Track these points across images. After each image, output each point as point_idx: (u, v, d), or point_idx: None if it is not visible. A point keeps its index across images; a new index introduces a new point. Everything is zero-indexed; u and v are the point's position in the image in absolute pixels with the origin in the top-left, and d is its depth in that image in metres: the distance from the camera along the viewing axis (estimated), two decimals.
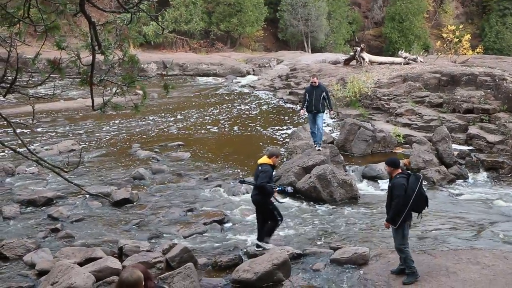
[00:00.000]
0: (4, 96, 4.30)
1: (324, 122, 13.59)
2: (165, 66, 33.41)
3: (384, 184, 11.91)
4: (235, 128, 18.57)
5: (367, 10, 51.44)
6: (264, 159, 8.58)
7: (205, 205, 10.88)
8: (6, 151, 14.60)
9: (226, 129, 18.37)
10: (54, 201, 10.86)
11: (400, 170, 7.28)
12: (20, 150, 4.39)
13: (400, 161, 7.70)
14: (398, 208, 7.02)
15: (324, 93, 12.51)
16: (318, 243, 9.05)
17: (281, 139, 16.65)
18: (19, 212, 10.22)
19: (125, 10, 4.13)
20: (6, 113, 4.46)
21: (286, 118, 20.21)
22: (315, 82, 12.60)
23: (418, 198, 7.00)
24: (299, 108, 14.57)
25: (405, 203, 6.99)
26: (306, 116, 13.33)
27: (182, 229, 9.53)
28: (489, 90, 16.73)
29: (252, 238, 9.25)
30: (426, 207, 7.24)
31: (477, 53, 27.15)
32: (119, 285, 3.96)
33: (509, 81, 16.31)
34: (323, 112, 12.72)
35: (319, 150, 12.64)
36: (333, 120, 18.33)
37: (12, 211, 10.15)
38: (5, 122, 4.51)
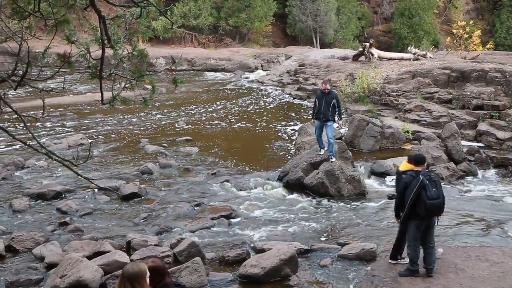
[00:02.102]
0: (15, 89, 4.33)
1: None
2: (173, 61, 33.46)
3: (392, 181, 11.85)
4: (243, 123, 18.56)
5: (376, 6, 51.05)
6: (404, 165, 7.53)
7: (213, 200, 10.90)
8: (15, 144, 14.71)
9: (234, 124, 18.37)
10: (63, 195, 10.95)
11: (419, 168, 7.09)
12: (30, 143, 4.43)
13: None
14: (395, 203, 7.27)
15: (335, 100, 11.74)
16: (326, 239, 9.05)
17: (287, 136, 16.60)
18: (29, 206, 10.32)
19: (135, 4, 4.14)
20: (15, 107, 4.49)
21: (294, 114, 20.16)
22: (327, 89, 11.75)
23: (417, 201, 6.84)
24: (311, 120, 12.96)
25: (402, 202, 7.04)
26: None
27: (190, 224, 9.56)
28: (499, 87, 16.57)
29: (259, 233, 9.26)
30: (436, 216, 7.04)
31: (488, 49, 26.90)
32: (121, 277, 3.98)
33: None
34: (333, 120, 11.85)
35: (332, 162, 11.63)
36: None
37: (22, 204, 10.25)
38: (15, 115, 4.54)
